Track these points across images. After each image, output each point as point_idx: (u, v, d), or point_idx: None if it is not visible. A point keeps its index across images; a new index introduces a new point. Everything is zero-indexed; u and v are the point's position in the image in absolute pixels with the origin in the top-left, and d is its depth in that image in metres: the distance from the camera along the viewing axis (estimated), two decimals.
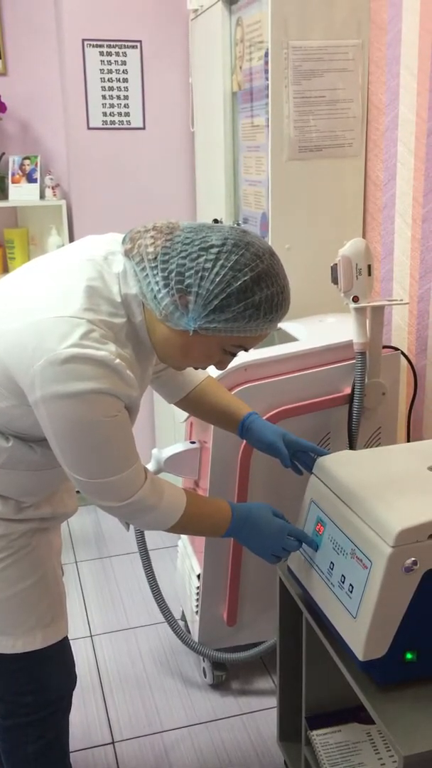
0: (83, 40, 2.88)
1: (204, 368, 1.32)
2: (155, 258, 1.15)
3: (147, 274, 1.15)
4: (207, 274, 1.12)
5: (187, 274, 1.13)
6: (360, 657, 1.23)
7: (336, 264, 1.79)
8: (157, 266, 1.14)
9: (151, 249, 1.15)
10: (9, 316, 1.17)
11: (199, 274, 1.12)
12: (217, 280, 1.12)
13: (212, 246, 1.13)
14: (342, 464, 1.44)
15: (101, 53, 2.92)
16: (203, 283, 1.12)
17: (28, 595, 1.34)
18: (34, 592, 1.35)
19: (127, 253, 1.19)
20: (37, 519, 1.36)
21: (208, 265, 1.12)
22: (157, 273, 1.14)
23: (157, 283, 1.14)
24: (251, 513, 1.35)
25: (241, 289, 1.13)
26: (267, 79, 2.14)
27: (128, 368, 1.15)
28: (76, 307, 1.12)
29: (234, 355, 1.25)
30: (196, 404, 1.56)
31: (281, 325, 2.07)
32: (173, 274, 1.13)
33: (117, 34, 2.91)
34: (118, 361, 1.12)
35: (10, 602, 1.33)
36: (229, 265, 1.12)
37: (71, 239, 3.09)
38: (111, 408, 1.14)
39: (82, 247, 1.26)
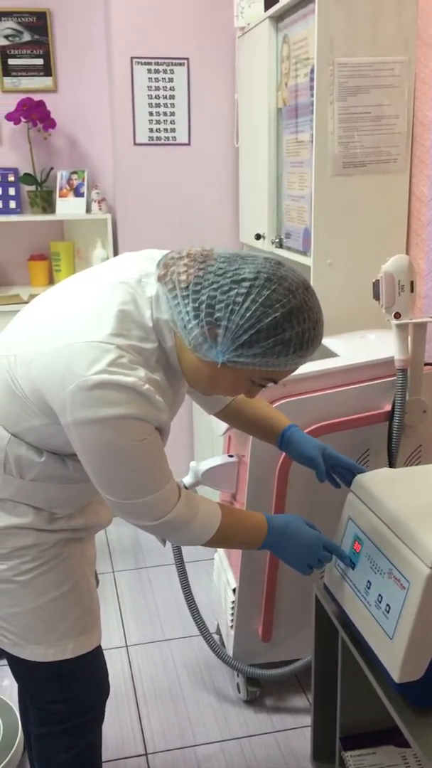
0: (132, 58, 2.94)
1: (233, 397, 1.30)
2: (187, 287, 1.14)
3: (178, 303, 1.15)
4: (237, 308, 1.11)
5: (217, 306, 1.11)
6: (396, 679, 1.21)
7: (378, 280, 1.78)
8: (188, 296, 1.13)
9: (183, 277, 1.14)
10: (43, 336, 1.19)
11: (230, 308, 1.11)
12: (248, 315, 1.10)
13: (244, 279, 1.11)
14: (381, 482, 1.43)
15: (149, 70, 2.97)
16: (233, 317, 1.11)
17: (60, 604, 1.35)
18: (66, 601, 1.36)
19: (160, 279, 1.18)
20: (69, 529, 1.38)
21: (239, 299, 1.11)
22: (188, 303, 1.13)
23: (187, 313, 1.14)
24: (288, 525, 1.35)
25: (271, 325, 1.11)
26: (312, 95, 2.15)
27: (159, 393, 1.15)
28: (107, 332, 1.13)
29: (263, 386, 1.24)
30: (236, 415, 1.56)
31: (322, 340, 2.06)
32: (204, 306, 1.12)
33: (165, 52, 2.96)
34: (147, 386, 1.13)
35: (42, 611, 1.34)
36: (260, 300, 1.10)
37: (116, 252, 3.14)
38: (140, 432, 1.14)
39: (117, 267, 1.26)
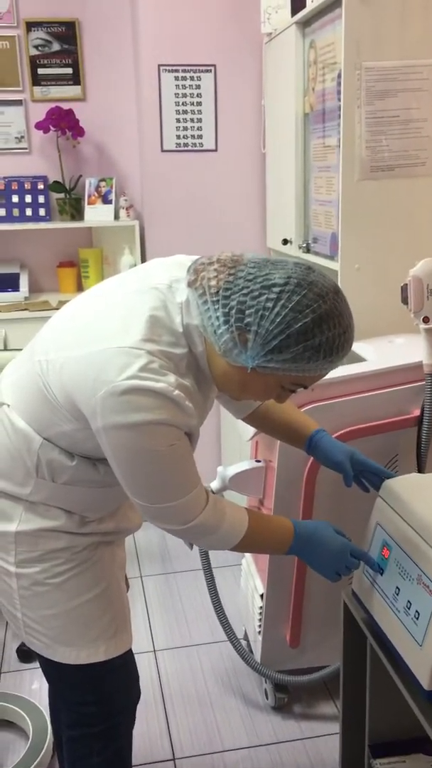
0: (159, 66, 2.96)
1: (262, 401, 1.30)
2: (217, 293, 1.14)
3: (208, 308, 1.15)
4: (267, 313, 1.10)
5: (247, 312, 1.12)
6: (426, 686, 1.20)
7: (406, 284, 1.77)
8: (218, 301, 1.14)
9: (213, 283, 1.15)
10: (74, 342, 1.21)
11: (260, 313, 1.11)
12: (278, 320, 1.10)
13: (275, 285, 1.11)
14: (410, 488, 1.42)
15: (176, 78, 2.99)
16: (263, 322, 1.11)
17: (92, 606, 1.37)
18: (97, 604, 1.37)
19: (191, 285, 1.19)
20: (100, 533, 1.39)
21: (269, 304, 1.11)
22: (218, 308, 1.14)
23: (217, 318, 1.14)
24: (315, 531, 1.34)
25: (302, 330, 1.11)
26: (339, 99, 2.14)
27: (188, 398, 1.16)
28: (137, 338, 1.14)
29: (293, 391, 1.24)
30: (264, 420, 1.56)
31: None
32: (234, 311, 1.12)
33: (192, 59, 2.98)
34: (177, 392, 1.13)
35: (74, 613, 1.35)
36: (290, 305, 1.10)
37: (143, 259, 3.17)
38: (170, 437, 1.15)
39: (148, 273, 1.27)
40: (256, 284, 1.12)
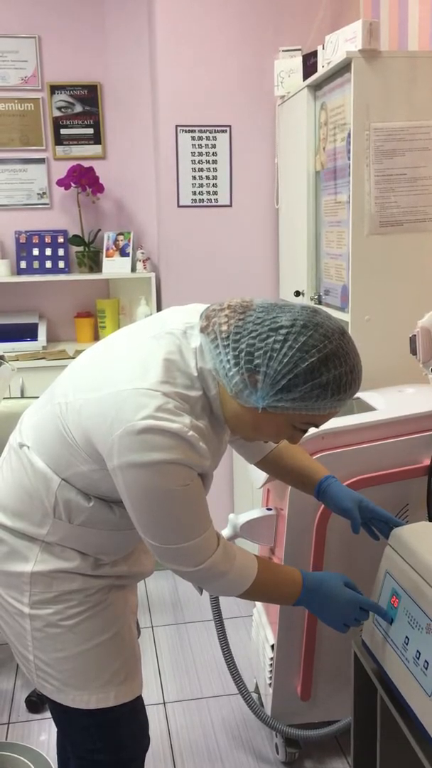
0: (176, 126, 3.07)
1: (274, 443, 1.32)
2: (227, 336, 1.19)
3: (219, 352, 1.19)
4: (275, 354, 1.15)
5: (256, 354, 1.16)
6: None
7: (415, 335, 1.80)
8: (228, 345, 1.18)
9: (224, 327, 1.20)
10: (92, 384, 1.25)
11: (268, 354, 1.15)
12: (285, 360, 1.14)
13: (281, 327, 1.16)
14: (419, 536, 1.42)
15: (193, 137, 3.10)
16: (271, 363, 1.15)
17: (103, 650, 1.37)
18: (108, 648, 1.38)
19: (203, 330, 1.24)
20: (113, 576, 1.40)
21: (277, 345, 1.15)
22: (229, 351, 1.18)
23: (228, 361, 1.18)
24: (323, 584, 1.35)
25: (308, 369, 1.14)
26: (349, 158, 2.22)
27: (203, 439, 1.19)
28: (154, 380, 1.18)
29: (305, 431, 1.27)
30: (276, 465, 1.59)
31: (360, 394, 2.09)
32: (243, 354, 1.17)
33: (208, 120, 3.09)
34: (191, 433, 1.17)
35: (85, 657, 1.36)
36: (297, 346, 1.14)
37: (159, 310, 3.23)
38: (184, 477, 1.18)
39: (164, 319, 1.32)
40: (264, 327, 1.17)
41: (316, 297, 2.66)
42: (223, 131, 3.11)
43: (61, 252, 3.34)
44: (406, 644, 1.31)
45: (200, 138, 3.10)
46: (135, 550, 1.47)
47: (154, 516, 1.21)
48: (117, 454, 1.17)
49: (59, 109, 3.31)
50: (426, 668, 1.24)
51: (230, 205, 3.18)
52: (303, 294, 2.74)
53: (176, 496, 1.18)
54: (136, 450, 1.15)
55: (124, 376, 1.20)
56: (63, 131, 3.32)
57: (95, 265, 3.34)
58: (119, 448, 1.16)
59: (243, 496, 3.08)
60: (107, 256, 3.33)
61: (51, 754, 2.03)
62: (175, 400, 1.18)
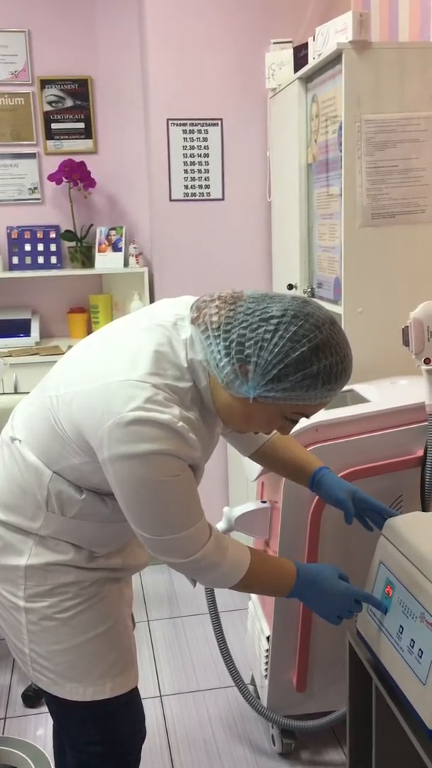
0: (168, 120, 3.07)
1: (266, 434, 1.32)
2: (218, 327, 1.19)
3: (210, 342, 1.20)
4: (266, 344, 1.15)
5: (247, 344, 1.16)
6: (429, 725, 1.19)
7: (407, 326, 1.81)
8: (219, 335, 1.19)
9: (215, 318, 1.20)
10: (83, 377, 1.25)
11: (258, 345, 1.16)
12: (276, 350, 1.15)
13: (272, 317, 1.16)
14: (412, 526, 1.43)
15: (184, 131, 3.09)
16: (262, 353, 1.15)
17: (99, 643, 1.37)
18: (104, 640, 1.38)
19: (194, 321, 1.24)
20: (108, 569, 1.40)
21: (267, 335, 1.15)
22: (220, 342, 1.18)
23: (219, 351, 1.19)
24: (318, 575, 1.35)
25: (299, 359, 1.15)
26: (341, 151, 2.22)
27: (193, 431, 1.19)
28: (143, 372, 1.18)
29: (295, 421, 1.27)
30: (269, 457, 1.59)
31: (353, 386, 2.09)
32: (234, 344, 1.17)
33: (199, 113, 3.08)
34: (181, 424, 1.17)
35: (81, 650, 1.36)
36: (287, 336, 1.15)
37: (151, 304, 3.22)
38: (174, 468, 1.18)
39: (155, 311, 1.32)
40: (254, 317, 1.17)
41: (309, 290, 2.66)
42: (214, 125, 3.11)
43: (53, 247, 3.33)
44: (401, 633, 1.32)
45: (192, 132, 3.10)
46: (129, 543, 1.47)
47: (144, 507, 1.21)
48: (107, 446, 1.17)
49: (50, 103, 3.29)
50: (420, 657, 1.24)
51: (222, 199, 3.18)
52: (296, 287, 2.74)
53: (166, 487, 1.18)
54: (125, 441, 1.15)
55: (113, 368, 1.20)
56: (54, 126, 3.31)
57: (88, 261, 3.33)
58: (109, 440, 1.16)
59: (238, 489, 3.09)
60: (100, 251, 3.32)
61: (48, 749, 2.03)
62: (164, 391, 1.18)
